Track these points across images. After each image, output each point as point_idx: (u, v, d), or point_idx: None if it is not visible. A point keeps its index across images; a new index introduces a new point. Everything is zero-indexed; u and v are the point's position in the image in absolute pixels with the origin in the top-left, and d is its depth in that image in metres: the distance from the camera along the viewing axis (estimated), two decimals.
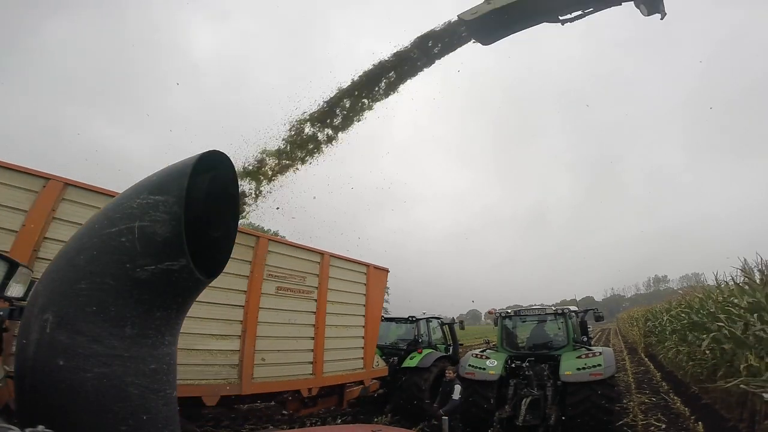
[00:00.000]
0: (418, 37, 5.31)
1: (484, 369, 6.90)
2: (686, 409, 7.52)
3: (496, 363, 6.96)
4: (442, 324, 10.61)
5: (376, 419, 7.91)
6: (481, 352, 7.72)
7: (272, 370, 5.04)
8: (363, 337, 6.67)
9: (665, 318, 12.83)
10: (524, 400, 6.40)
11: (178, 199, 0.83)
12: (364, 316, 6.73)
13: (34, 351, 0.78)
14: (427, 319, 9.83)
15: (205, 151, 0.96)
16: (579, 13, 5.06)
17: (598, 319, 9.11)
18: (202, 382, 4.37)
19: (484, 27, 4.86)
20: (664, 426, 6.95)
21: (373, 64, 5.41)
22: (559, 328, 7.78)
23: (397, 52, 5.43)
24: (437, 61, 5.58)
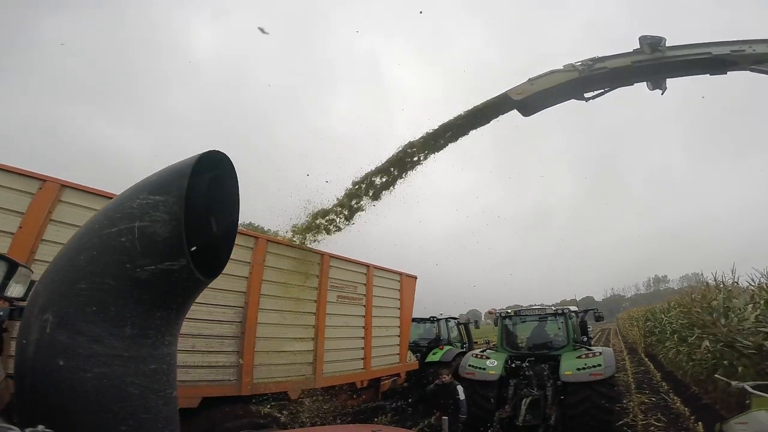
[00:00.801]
0: (465, 112, 5.91)
1: (484, 369, 6.90)
2: (686, 409, 7.51)
3: (496, 363, 6.96)
4: (458, 324, 11.64)
5: (375, 419, 7.91)
6: (481, 352, 7.72)
7: (335, 366, 5.85)
8: (399, 336, 7.63)
9: (664, 319, 12.89)
10: (524, 400, 6.38)
11: (178, 199, 0.84)
12: (399, 317, 7.69)
13: (34, 351, 0.79)
14: (446, 319, 10.95)
15: (204, 151, 0.96)
16: (602, 90, 5.70)
17: (598, 319, 9.11)
18: (289, 379, 5.03)
19: (526, 103, 5.66)
20: (664, 426, 6.95)
21: (418, 137, 5.92)
22: (559, 328, 7.78)
23: (444, 124, 5.94)
24: (477, 128, 6.20)
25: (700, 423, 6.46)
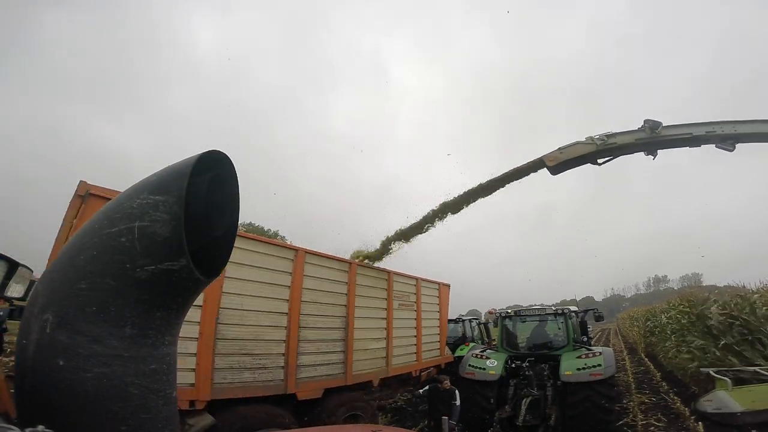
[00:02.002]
0: (505, 174, 7.39)
1: (484, 369, 6.90)
2: (686, 409, 7.51)
3: (496, 363, 6.96)
4: (479, 324, 13.59)
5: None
6: (481, 352, 7.73)
7: (400, 360, 7.42)
8: (439, 334, 9.26)
9: (664, 319, 13.03)
10: (524, 400, 6.38)
11: (178, 199, 0.84)
12: (438, 318, 9.30)
13: (34, 351, 0.79)
14: (469, 319, 13.10)
15: (205, 150, 0.96)
16: (611, 158, 7.12)
17: (598, 319, 9.10)
18: (373, 370, 6.56)
19: (556, 167, 7.17)
20: (664, 426, 6.95)
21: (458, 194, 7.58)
22: (559, 328, 7.78)
23: (483, 184, 7.44)
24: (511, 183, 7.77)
25: (700, 423, 6.46)
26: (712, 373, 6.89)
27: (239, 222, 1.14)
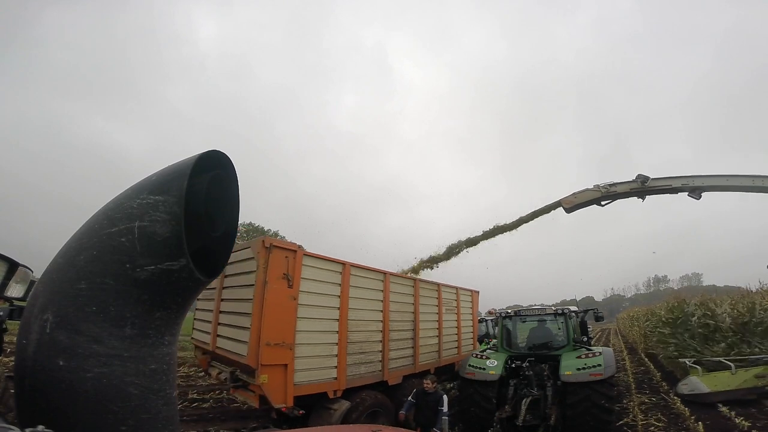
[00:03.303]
0: (527, 215, 10.51)
1: (484, 369, 6.90)
2: (686, 409, 7.52)
3: (496, 363, 6.95)
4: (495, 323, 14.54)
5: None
6: (481, 352, 7.72)
7: (446, 352, 9.05)
8: (472, 331, 11.05)
9: (663, 319, 13.28)
10: (524, 400, 6.37)
11: (178, 199, 0.84)
12: (471, 319, 11.10)
13: (34, 351, 0.79)
14: (490, 319, 14.24)
15: (205, 150, 0.96)
16: (611, 201, 9.63)
17: (598, 319, 9.09)
18: (431, 362, 8.15)
19: (570, 208, 9.61)
20: (664, 426, 6.95)
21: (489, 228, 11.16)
22: (559, 328, 7.77)
23: (503, 225, 10.81)
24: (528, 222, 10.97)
25: (700, 423, 6.46)
26: (688, 363, 9.01)
27: (239, 222, 1.14)
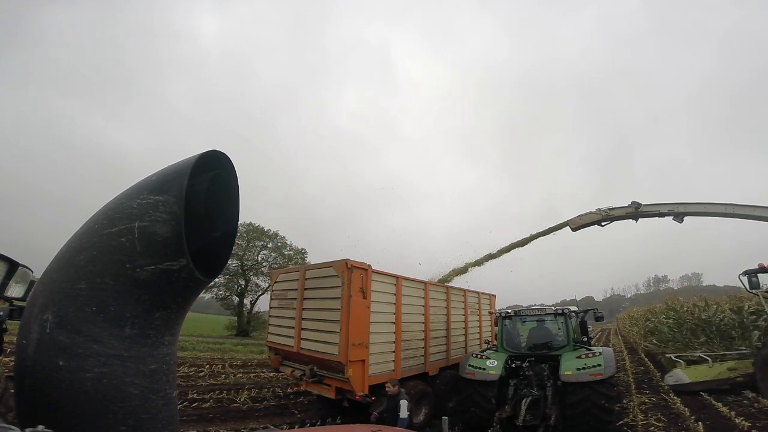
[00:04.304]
0: (537, 233, 12.71)
1: (484, 369, 6.90)
2: (686, 409, 7.52)
3: (496, 363, 6.95)
4: None
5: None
6: (481, 352, 7.72)
7: (471, 348, 9.96)
8: (491, 329, 11.86)
9: (662, 319, 14.31)
10: (524, 400, 6.37)
11: (177, 199, 0.84)
12: (490, 318, 11.86)
13: (34, 351, 0.79)
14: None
15: (205, 150, 0.96)
16: (609, 222, 11.61)
17: (598, 319, 9.08)
18: (459, 356, 8.97)
19: (575, 228, 11.62)
20: (664, 426, 6.95)
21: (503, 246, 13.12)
22: (559, 328, 7.77)
23: (516, 242, 12.95)
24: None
25: (700, 423, 6.46)
26: (673, 357, 10.69)
27: (239, 222, 1.14)
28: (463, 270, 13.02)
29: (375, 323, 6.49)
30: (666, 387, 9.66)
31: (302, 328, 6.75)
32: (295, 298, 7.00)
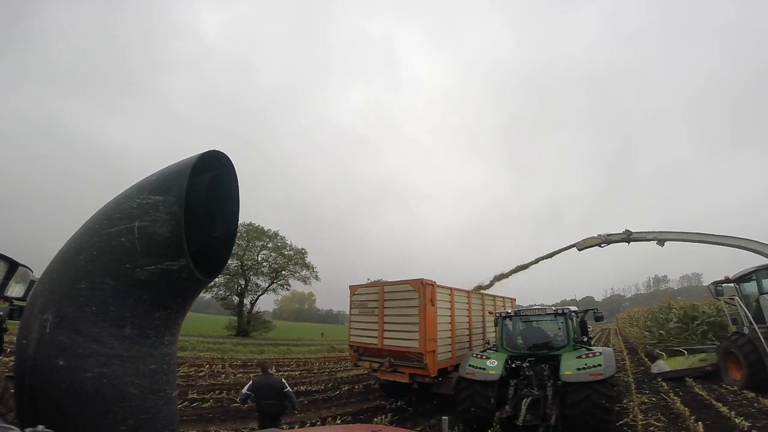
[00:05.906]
0: (546, 254, 15.16)
1: (484, 369, 6.90)
2: (686, 409, 7.52)
3: (496, 363, 6.96)
4: None
5: (375, 419, 7.92)
6: (481, 352, 7.72)
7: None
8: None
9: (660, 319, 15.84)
10: (524, 400, 6.37)
11: (177, 199, 0.84)
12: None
13: (34, 351, 0.78)
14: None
15: (205, 150, 0.96)
16: (608, 245, 13.85)
17: (598, 319, 9.09)
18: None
19: (581, 249, 14.14)
20: (664, 426, 6.95)
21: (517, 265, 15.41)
22: (559, 328, 7.77)
23: (525, 263, 15.47)
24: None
25: (700, 423, 6.46)
26: (657, 351, 13.82)
27: (239, 222, 1.14)
28: (482, 287, 15.03)
29: (440, 323, 8.68)
30: (652, 374, 11.98)
31: (385, 330, 8.83)
32: (376, 307, 9.12)
